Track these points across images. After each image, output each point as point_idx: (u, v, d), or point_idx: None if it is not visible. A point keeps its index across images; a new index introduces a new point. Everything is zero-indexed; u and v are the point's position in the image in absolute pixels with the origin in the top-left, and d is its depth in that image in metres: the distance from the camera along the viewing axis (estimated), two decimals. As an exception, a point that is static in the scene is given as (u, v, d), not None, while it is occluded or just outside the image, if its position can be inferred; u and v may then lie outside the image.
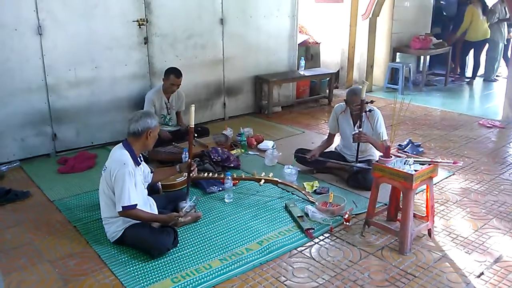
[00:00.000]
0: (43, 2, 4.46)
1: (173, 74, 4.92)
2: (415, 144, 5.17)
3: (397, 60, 8.46)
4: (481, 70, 9.18)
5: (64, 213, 3.68)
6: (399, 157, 3.22)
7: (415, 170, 3.02)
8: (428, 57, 8.49)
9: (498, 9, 8.37)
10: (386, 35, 8.15)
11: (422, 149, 5.12)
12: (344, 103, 4.31)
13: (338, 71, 8.28)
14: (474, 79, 8.88)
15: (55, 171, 4.52)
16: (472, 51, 8.79)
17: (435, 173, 3.16)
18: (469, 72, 9.27)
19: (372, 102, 4.11)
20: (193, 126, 3.42)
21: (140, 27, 5.14)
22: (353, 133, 4.07)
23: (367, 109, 4.10)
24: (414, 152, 4.92)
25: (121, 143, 3.20)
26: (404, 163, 3.13)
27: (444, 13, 9.08)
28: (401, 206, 3.46)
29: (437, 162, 3.14)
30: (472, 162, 4.79)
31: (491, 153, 5.08)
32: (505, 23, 8.54)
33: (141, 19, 5.13)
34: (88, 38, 4.83)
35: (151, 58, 5.35)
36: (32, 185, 4.21)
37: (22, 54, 4.46)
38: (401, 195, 3.43)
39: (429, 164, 3.11)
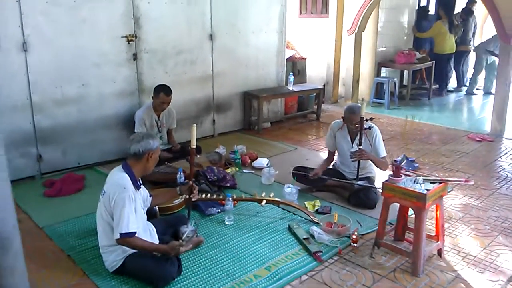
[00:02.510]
0: (29, 17, 4.27)
1: (163, 92, 4.78)
2: (409, 159, 5.14)
3: (382, 74, 8.52)
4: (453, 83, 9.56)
5: (56, 240, 3.46)
6: (408, 175, 3.14)
7: (427, 189, 2.95)
8: (411, 71, 8.56)
9: (492, 43, 8.54)
10: (370, 50, 8.19)
11: (417, 164, 5.09)
12: (342, 120, 4.24)
13: (324, 85, 8.27)
14: (443, 90, 9.11)
15: (41, 194, 4.28)
16: (442, 64, 8.99)
17: (446, 192, 3.11)
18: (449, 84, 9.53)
19: (372, 119, 4.05)
20: (194, 147, 3.27)
21: (129, 43, 4.98)
22: (353, 151, 4.00)
23: (367, 126, 4.04)
24: (410, 168, 4.88)
25: (120, 166, 3.02)
26: (414, 182, 3.06)
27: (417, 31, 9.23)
28: (409, 226, 3.40)
29: (447, 180, 3.08)
30: (468, 177, 4.77)
31: (485, 167, 5.10)
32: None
33: (130, 34, 4.97)
34: (75, 54, 4.65)
35: (140, 75, 5.19)
36: (18, 210, 3.92)
37: (7, 71, 4.24)
38: (408, 214, 3.38)
39: (440, 183, 3.05)
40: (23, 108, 4.41)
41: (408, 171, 3.26)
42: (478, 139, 6.09)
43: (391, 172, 3.10)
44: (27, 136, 4.49)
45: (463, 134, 6.37)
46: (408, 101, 8.23)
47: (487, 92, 9.06)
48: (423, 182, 3.06)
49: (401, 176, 3.05)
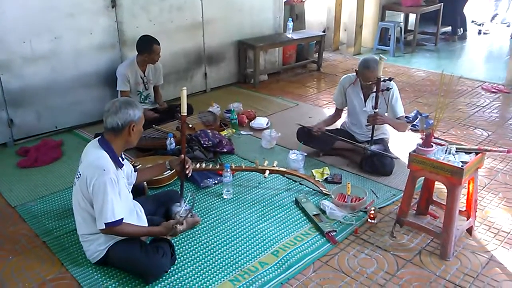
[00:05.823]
0: (-17, -42, 3.60)
1: (155, 43, 4.20)
2: (423, 115, 4.67)
3: (386, 18, 7.85)
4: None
5: (30, 222, 3.01)
6: (439, 144, 2.68)
7: (463, 162, 2.50)
8: (418, 15, 7.88)
9: None
10: (375, -8, 7.48)
11: (432, 121, 4.61)
12: (355, 74, 3.72)
13: (324, 31, 7.62)
14: (466, 31, 8.44)
15: (14, 165, 3.79)
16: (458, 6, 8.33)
17: (482, 163, 2.67)
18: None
19: (391, 79, 3.53)
20: (186, 114, 2.76)
21: (106, -13, 4.33)
22: (368, 115, 3.52)
23: (385, 88, 3.52)
24: (425, 126, 4.41)
25: (96, 140, 2.51)
26: (446, 152, 2.61)
27: None
28: (434, 199, 2.99)
29: (486, 150, 2.63)
30: (488, 135, 4.35)
31: (505, 123, 4.65)
32: None
33: (106, -23, 4.31)
34: (45, 3, 4.00)
35: (120, 25, 4.55)
36: (-13, 186, 3.49)
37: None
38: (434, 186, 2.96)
39: (476, 153, 2.60)
40: (-14, 67, 3.84)
41: (442, 140, 2.78)
42: (494, 90, 5.61)
43: (420, 141, 2.64)
44: (-7, 99, 3.94)
45: (477, 84, 5.86)
46: (414, 47, 7.62)
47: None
48: (457, 152, 2.61)
49: (432, 146, 2.58)
